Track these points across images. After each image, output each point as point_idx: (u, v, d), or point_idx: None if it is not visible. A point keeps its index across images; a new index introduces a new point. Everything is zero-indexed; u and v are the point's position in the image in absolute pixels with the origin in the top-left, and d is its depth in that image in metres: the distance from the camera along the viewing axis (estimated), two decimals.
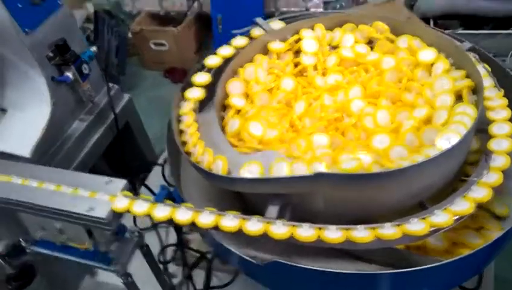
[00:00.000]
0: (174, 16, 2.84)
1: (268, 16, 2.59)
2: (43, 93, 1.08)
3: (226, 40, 3.05)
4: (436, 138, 0.64)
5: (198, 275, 1.00)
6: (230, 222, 0.62)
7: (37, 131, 1.06)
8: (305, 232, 0.59)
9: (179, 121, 0.76)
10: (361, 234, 0.58)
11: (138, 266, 0.87)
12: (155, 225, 1.11)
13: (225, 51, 0.85)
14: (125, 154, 1.35)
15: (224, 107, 0.81)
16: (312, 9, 2.59)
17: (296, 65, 0.82)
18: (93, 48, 1.23)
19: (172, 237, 1.09)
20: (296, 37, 0.83)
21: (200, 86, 0.80)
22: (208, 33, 2.89)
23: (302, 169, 0.60)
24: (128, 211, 0.66)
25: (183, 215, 0.64)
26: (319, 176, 0.56)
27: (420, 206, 0.64)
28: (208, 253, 1.00)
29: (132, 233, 0.82)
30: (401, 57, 0.76)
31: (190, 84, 0.81)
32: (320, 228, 0.59)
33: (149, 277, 0.90)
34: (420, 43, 0.76)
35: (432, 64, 0.74)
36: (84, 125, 1.23)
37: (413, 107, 0.73)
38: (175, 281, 1.01)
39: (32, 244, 0.85)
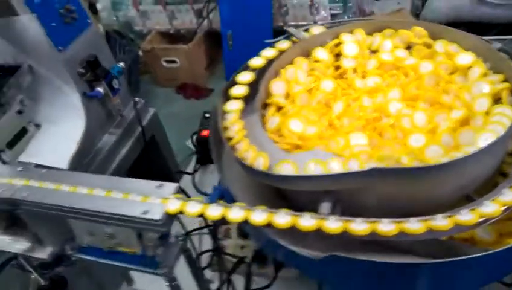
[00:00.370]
0: (184, 34, 2.90)
1: (276, 31, 2.66)
2: (77, 108, 1.12)
3: (236, 55, 3.11)
4: (475, 137, 0.66)
5: (236, 280, 1.01)
6: (283, 219, 0.64)
7: (73, 144, 1.09)
8: (359, 226, 0.61)
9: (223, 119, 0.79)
10: (414, 226, 0.60)
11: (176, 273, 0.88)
12: (188, 233, 1.13)
13: (268, 52, 0.88)
14: (152, 167, 1.37)
15: (265, 107, 0.83)
16: (319, 23, 2.64)
17: (336, 68, 0.85)
18: (121, 64, 1.27)
19: (206, 245, 1.11)
20: (336, 41, 0.86)
21: (243, 84, 0.83)
22: (218, 49, 2.94)
23: (354, 166, 0.62)
24: (181, 213, 0.68)
25: (236, 214, 0.66)
26: (373, 171, 0.58)
27: (467, 199, 0.66)
28: (245, 257, 1.02)
29: (177, 237, 0.85)
30: (439, 61, 0.79)
31: (234, 83, 0.84)
32: (373, 222, 0.61)
33: (186, 283, 0.92)
34: (457, 47, 0.79)
35: (468, 69, 0.77)
36: (114, 138, 1.25)
37: (450, 109, 0.75)
38: (212, 286, 1.03)
39: (78, 251, 0.87)
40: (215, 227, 1.11)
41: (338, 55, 0.86)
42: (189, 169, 1.41)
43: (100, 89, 1.17)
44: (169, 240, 0.84)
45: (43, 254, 0.90)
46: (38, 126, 1.14)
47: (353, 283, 0.67)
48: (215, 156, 0.79)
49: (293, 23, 2.71)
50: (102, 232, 0.78)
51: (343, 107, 0.77)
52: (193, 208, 0.68)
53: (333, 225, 0.61)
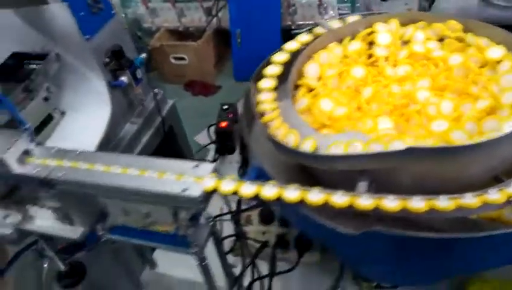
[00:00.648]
0: (192, 32, 2.93)
1: (284, 30, 2.68)
2: (103, 96, 1.14)
3: (245, 53, 3.14)
4: (500, 124, 0.68)
5: (258, 265, 1.04)
6: (316, 196, 0.66)
7: (98, 131, 1.12)
8: (391, 203, 0.63)
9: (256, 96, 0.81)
10: (444, 203, 0.62)
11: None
12: (216, 216, 1.14)
13: (304, 37, 0.90)
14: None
15: (295, 88, 0.85)
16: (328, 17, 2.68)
17: (369, 56, 0.87)
18: (143, 55, 1.29)
19: (227, 231, 1.14)
20: (369, 30, 0.88)
21: (278, 64, 0.85)
22: (226, 47, 2.97)
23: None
24: (216, 190, 0.70)
25: (269, 191, 0.68)
26: (410, 150, 0.61)
27: (495, 180, 0.68)
28: (268, 242, 1.04)
29: (207, 219, 0.87)
30: (469, 54, 0.81)
31: (268, 63, 0.87)
32: (404, 199, 0.63)
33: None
34: (488, 41, 0.82)
35: (498, 63, 0.79)
36: (135, 127, 1.28)
37: (477, 99, 0.77)
38: (235, 271, 1.05)
39: (109, 232, 0.89)
40: (238, 213, 1.13)
41: (371, 44, 0.88)
42: None
43: (124, 79, 1.20)
44: (199, 221, 0.87)
45: (75, 234, 0.92)
46: (63, 113, 1.17)
47: (386, 260, 0.70)
48: (246, 133, 0.82)
49: (301, 23, 2.74)
50: (138, 211, 0.80)
51: (373, 92, 0.79)
52: (228, 185, 0.70)
53: (366, 201, 0.63)
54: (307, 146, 0.68)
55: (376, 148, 0.67)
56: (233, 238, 1.09)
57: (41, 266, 1.86)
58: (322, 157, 0.65)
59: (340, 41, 0.88)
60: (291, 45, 0.89)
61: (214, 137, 1.49)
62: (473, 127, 0.73)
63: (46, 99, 1.11)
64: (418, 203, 0.63)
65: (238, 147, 1.33)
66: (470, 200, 0.63)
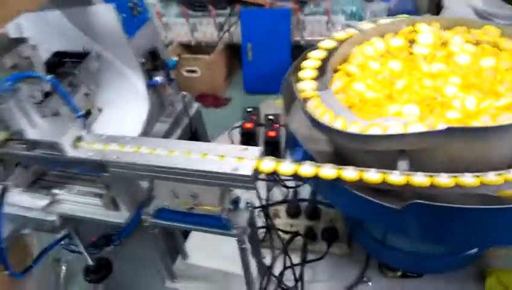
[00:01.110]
0: (204, 46, 3.02)
1: (293, 45, 2.78)
2: (140, 94, 1.21)
3: (255, 67, 3.23)
4: None
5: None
6: (351, 173, 0.72)
7: (136, 128, 1.17)
8: (420, 179, 0.69)
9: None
10: (469, 180, 0.68)
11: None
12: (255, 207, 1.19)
13: (340, 34, 0.97)
14: None
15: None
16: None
17: (409, 54, 0.94)
18: (176, 58, 1.36)
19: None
20: (411, 28, 0.95)
21: (323, 49, 0.92)
22: (236, 61, 3.07)
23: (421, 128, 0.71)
24: (275, 172, 0.76)
25: (328, 171, 0.73)
26: (450, 130, 0.67)
27: None
28: (298, 232, 1.10)
29: (247, 203, 0.92)
30: (501, 57, 0.87)
31: (304, 59, 0.93)
32: (432, 176, 0.69)
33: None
34: None
35: None
36: (166, 127, 1.34)
37: (500, 97, 0.82)
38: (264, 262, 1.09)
39: (153, 216, 0.94)
40: (267, 206, 1.18)
41: (411, 42, 0.95)
42: None
43: (158, 79, 1.27)
44: (239, 206, 0.92)
45: (121, 218, 0.97)
46: (100, 110, 1.22)
47: (432, 231, 0.75)
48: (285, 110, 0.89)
49: (309, 38, 2.84)
50: (187, 191, 0.85)
51: (405, 84, 0.86)
52: (287, 167, 0.75)
53: (398, 178, 0.69)
54: (353, 128, 0.75)
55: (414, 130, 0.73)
56: (262, 230, 1.14)
57: (60, 268, 1.89)
58: (367, 137, 0.71)
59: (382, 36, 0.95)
60: (327, 43, 0.96)
61: (234, 139, 1.55)
62: (487, 119, 0.78)
63: (86, 95, 1.17)
64: (445, 180, 0.69)
65: (262, 146, 1.39)
66: (493, 177, 0.69)
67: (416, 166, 0.73)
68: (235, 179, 0.77)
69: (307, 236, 1.10)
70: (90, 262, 1.30)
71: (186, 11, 2.91)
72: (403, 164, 0.72)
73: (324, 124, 0.75)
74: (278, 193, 1.30)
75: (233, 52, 3.04)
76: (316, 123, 0.77)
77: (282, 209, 1.20)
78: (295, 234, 1.09)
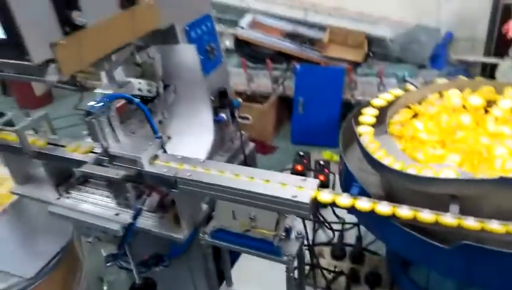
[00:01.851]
0: (258, 96, 3.19)
1: (344, 103, 2.89)
2: (207, 127, 1.33)
3: (304, 120, 3.36)
4: None
5: None
6: (406, 211, 0.78)
7: (200, 157, 1.27)
8: (471, 223, 0.74)
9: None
10: None
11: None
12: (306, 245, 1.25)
13: (396, 91, 1.06)
14: None
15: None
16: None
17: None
18: (240, 99, 1.49)
19: None
20: (491, 89, 1.02)
21: (384, 100, 1.02)
22: (286, 112, 3.21)
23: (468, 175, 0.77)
24: (333, 203, 0.83)
25: (384, 207, 0.78)
26: (502, 179, 0.72)
27: None
28: (343, 272, 1.13)
29: (298, 235, 0.98)
30: None
31: (365, 106, 1.02)
32: (482, 221, 0.74)
33: None
34: None
35: None
36: (223, 160, 1.43)
37: None
38: None
39: (210, 236, 1.01)
40: (314, 245, 1.23)
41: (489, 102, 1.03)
42: None
43: (224, 116, 1.39)
44: (291, 236, 0.98)
45: (181, 235, 1.05)
46: (169, 137, 1.35)
47: (476, 273, 0.78)
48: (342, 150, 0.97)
49: (360, 98, 2.95)
50: (246, 214, 0.92)
51: (463, 136, 0.92)
52: (345, 200, 0.82)
53: (450, 220, 0.74)
54: (410, 170, 0.81)
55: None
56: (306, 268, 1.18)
57: (102, 287, 1.97)
58: (424, 179, 0.78)
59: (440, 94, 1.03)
60: (386, 96, 1.05)
61: None
62: None
63: (160, 122, 1.30)
64: (496, 226, 0.73)
65: None
66: None
67: (465, 211, 0.77)
68: (293, 206, 0.84)
69: (351, 278, 1.13)
70: (138, 280, 1.37)
71: (246, 63, 3.12)
72: (454, 207, 0.77)
73: (384, 164, 0.82)
74: (321, 235, 1.34)
75: (284, 104, 3.19)
76: (375, 163, 0.85)
77: (326, 250, 1.24)
78: (340, 273, 1.13)
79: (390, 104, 1.02)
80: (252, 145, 1.62)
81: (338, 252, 1.21)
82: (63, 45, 0.89)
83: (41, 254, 1.64)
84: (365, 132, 0.94)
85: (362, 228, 1.28)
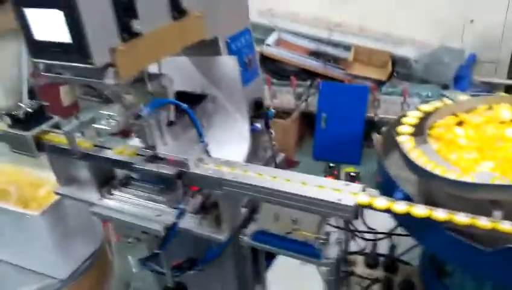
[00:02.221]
0: (281, 111, 3.24)
1: (367, 120, 2.92)
2: (244, 136, 1.37)
3: (327, 135, 3.39)
4: None
5: None
6: (441, 213, 0.80)
7: None
8: (508, 226, 0.76)
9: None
10: None
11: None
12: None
13: (436, 103, 1.10)
14: None
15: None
16: None
17: None
18: (273, 110, 1.54)
19: None
20: None
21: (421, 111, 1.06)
22: (307, 128, 3.25)
23: None
24: (370, 205, 0.86)
25: (420, 210, 0.82)
26: None
27: None
28: (378, 279, 1.15)
29: (337, 239, 1.01)
30: None
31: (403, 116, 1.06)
32: None
33: None
34: None
35: None
36: None
37: None
38: None
39: (250, 237, 1.05)
40: (348, 253, 1.25)
41: None
42: None
43: (259, 125, 1.43)
44: (330, 240, 1.01)
45: (222, 236, 1.08)
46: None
47: None
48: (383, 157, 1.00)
49: (382, 116, 2.98)
50: (289, 216, 0.96)
51: (502, 146, 0.95)
52: (381, 202, 0.85)
53: (485, 222, 0.77)
54: (450, 175, 0.84)
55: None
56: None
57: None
58: (468, 184, 0.80)
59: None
60: (425, 107, 1.09)
61: None
62: None
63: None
64: None
65: None
66: None
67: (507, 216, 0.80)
68: (338, 209, 0.87)
69: (385, 286, 1.15)
70: (169, 284, 1.40)
71: (270, 79, 3.18)
72: (497, 213, 0.80)
73: (427, 170, 0.85)
74: (352, 245, 1.36)
75: (307, 120, 3.23)
76: (418, 170, 0.88)
77: (359, 259, 1.26)
78: (375, 280, 1.14)
79: (436, 110, 1.05)
80: (282, 155, 1.66)
81: (371, 261, 1.23)
82: (121, 51, 0.95)
83: (74, 256, 1.69)
84: (405, 140, 0.97)
85: (394, 238, 1.30)
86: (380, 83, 3.01)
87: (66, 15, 0.88)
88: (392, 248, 1.26)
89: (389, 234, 1.34)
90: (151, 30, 1.01)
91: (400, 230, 1.34)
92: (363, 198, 0.87)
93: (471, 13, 3.01)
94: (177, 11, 1.08)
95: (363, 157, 3.00)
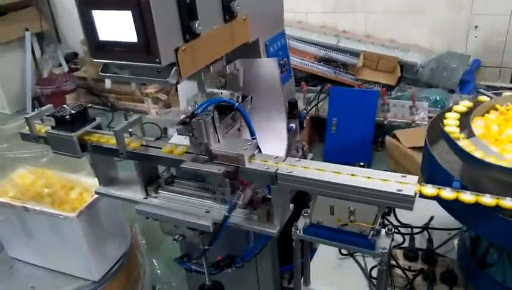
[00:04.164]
0: None
1: (377, 123, 2.97)
2: (282, 135, 1.41)
3: (337, 139, 3.46)
4: None
5: None
6: (488, 199, 0.85)
7: None
8: None
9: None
10: None
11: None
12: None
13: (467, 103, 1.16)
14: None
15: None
16: (417, 122, 2.96)
17: None
18: (305, 111, 1.58)
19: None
20: None
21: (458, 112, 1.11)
22: (317, 132, 3.30)
23: None
24: (438, 196, 0.90)
25: (449, 193, 0.88)
26: None
27: None
28: (423, 270, 1.19)
29: (389, 230, 1.05)
30: None
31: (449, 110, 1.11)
32: None
33: None
34: None
35: None
36: None
37: None
38: None
39: (303, 231, 1.08)
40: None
41: None
42: None
43: (293, 125, 1.48)
44: (381, 232, 1.05)
45: (274, 229, 1.12)
46: None
47: None
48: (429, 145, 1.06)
49: (392, 119, 3.04)
50: (345, 208, 1.00)
51: None
52: (448, 193, 0.90)
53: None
54: (504, 163, 0.89)
55: None
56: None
57: None
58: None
59: None
60: (466, 102, 1.14)
61: None
62: None
63: (238, 129, 1.39)
64: None
65: None
66: None
67: None
68: (399, 199, 0.91)
69: (428, 277, 1.19)
70: (207, 282, 1.42)
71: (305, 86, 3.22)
72: None
73: (482, 159, 0.90)
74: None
75: (317, 124, 3.29)
76: (470, 158, 0.93)
77: (399, 253, 1.30)
78: (421, 271, 1.19)
79: (476, 105, 1.11)
80: (310, 155, 1.71)
81: (411, 254, 1.27)
82: (184, 50, 0.99)
83: (106, 258, 1.71)
84: (454, 131, 1.02)
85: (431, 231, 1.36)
86: (389, 88, 3.08)
87: (135, 16, 0.92)
88: (430, 241, 1.30)
89: (425, 228, 1.39)
90: (207, 32, 1.06)
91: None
92: (427, 189, 0.91)
93: (475, 19, 3.11)
94: (229, 14, 1.13)
95: (373, 159, 3.06)
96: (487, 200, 0.85)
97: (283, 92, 1.42)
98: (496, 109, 1.14)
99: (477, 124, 1.09)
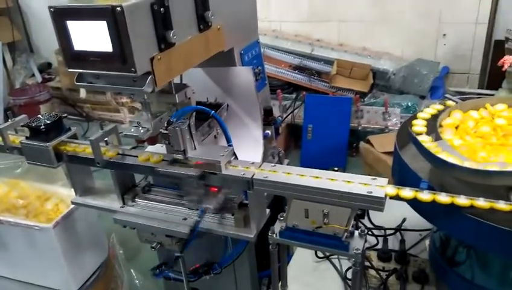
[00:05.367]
0: None
1: (351, 129, 3.04)
2: (258, 142, 1.44)
3: (313, 145, 3.51)
4: None
5: None
6: (462, 200, 0.90)
7: None
8: None
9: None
10: None
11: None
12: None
13: (437, 106, 1.21)
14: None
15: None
16: (390, 127, 3.04)
17: None
18: (280, 117, 1.61)
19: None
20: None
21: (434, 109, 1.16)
22: (293, 139, 3.35)
23: None
24: (398, 196, 0.94)
25: (443, 198, 0.91)
26: None
27: None
28: (396, 270, 1.23)
29: (362, 232, 1.09)
30: None
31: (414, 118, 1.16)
32: None
33: None
34: None
35: None
36: None
37: None
38: None
39: (279, 235, 1.11)
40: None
41: None
42: None
43: (269, 132, 1.50)
44: (355, 233, 1.08)
45: (250, 234, 1.14)
46: None
47: None
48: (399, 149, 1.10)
49: (365, 125, 3.12)
50: (319, 211, 1.03)
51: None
52: (407, 192, 0.94)
53: (504, 205, 0.86)
54: (467, 165, 0.94)
55: None
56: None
57: None
58: (486, 172, 0.90)
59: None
60: (429, 110, 1.19)
61: None
62: None
63: (215, 137, 1.41)
64: None
65: None
66: None
67: None
68: (369, 201, 0.95)
69: (401, 276, 1.23)
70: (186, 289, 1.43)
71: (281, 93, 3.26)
72: None
73: (446, 160, 0.95)
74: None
75: (293, 131, 3.33)
76: (437, 160, 0.97)
77: (373, 254, 1.34)
78: (394, 271, 1.22)
79: (446, 108, 1.16)
80: (286, 161, 1.74)
81: (384, 255, 1.31)
82: (159, 60, 1.01)
83: (83, 269, 1.69)
84: (423, 135, 1.07)
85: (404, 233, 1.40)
86: (362, 95, 3.16)
87: (110, 26, 0.93)
88: (403, 242, 1.35)
89: (398, 230, 1.44)
90: (182, 41, 1.08)
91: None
92: (390, 190, 0.95)
93: (444, 27, 3.23)
94: (203, 24, 1.15)
95: (348, 164, 3.12)
96: (462, 201, 0.89)
97: (258, 100, 1.45)
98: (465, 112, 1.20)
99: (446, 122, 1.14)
